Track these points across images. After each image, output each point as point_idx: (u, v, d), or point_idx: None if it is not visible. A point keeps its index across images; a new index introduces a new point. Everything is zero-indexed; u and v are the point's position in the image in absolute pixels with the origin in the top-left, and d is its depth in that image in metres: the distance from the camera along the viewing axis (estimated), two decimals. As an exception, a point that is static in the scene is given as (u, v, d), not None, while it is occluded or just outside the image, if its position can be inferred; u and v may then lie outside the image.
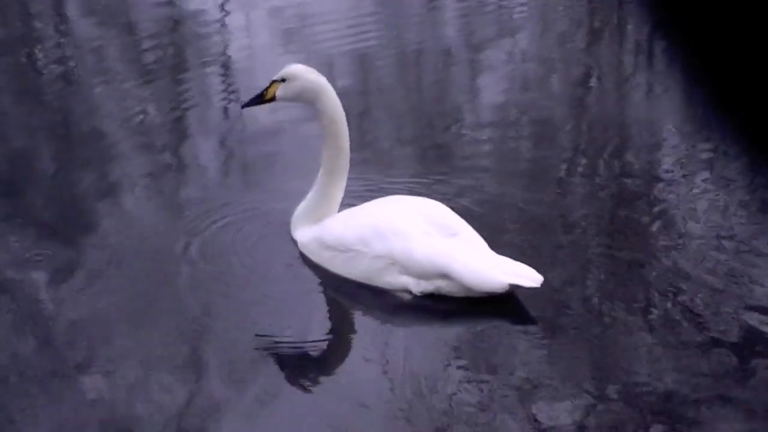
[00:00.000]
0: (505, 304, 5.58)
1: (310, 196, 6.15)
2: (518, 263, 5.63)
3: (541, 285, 5.48)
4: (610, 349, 5.29)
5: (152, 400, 5.05)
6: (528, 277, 5.55)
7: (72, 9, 10.60)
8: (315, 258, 6.01)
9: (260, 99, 6.11)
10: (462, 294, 5.64)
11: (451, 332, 5.51)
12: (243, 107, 6.42)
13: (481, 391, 5.07)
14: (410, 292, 5.73)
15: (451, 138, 7.60)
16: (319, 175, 6.10)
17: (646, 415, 4.85)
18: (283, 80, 6.00)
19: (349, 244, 5.83)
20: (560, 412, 4.90)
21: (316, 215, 6.11)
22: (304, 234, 6.11)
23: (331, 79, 6.06)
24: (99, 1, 10.64)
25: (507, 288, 5.54)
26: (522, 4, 10.25)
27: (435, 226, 5.80)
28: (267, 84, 6.08)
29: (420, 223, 5.78)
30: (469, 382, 5.14)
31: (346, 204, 6.13)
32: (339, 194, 6.12)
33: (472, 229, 5.84)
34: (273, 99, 6.07)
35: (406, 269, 5.69)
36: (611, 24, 9.79)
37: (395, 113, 8.07)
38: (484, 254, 5.72)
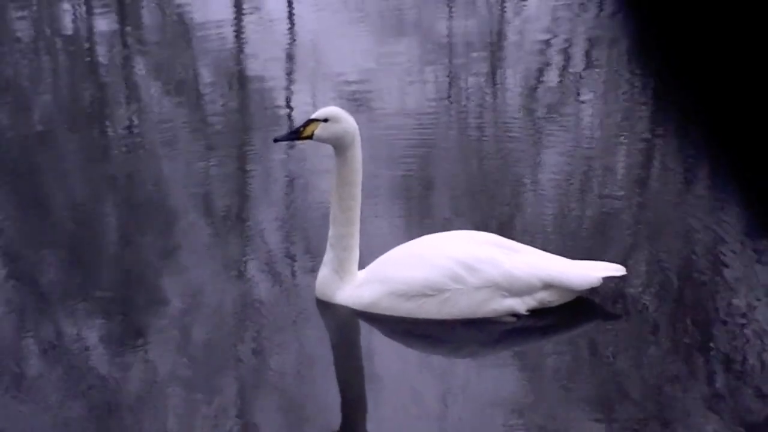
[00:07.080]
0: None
1: (330, 256, 6.13)
2: (594, 261, 6.11)
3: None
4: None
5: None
6: (613, 269, 6.03)
7: (141, 76, 10.80)
8: (392, 312, 6.00)
9: (296, 135, 6.09)
10: (560, 301, 6.00)
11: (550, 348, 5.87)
12: (276, 140, 6.44)
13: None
14: (515, 314, 5.93)
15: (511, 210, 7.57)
16: (333, 231, 6.09)
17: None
18: (325, 120, 5.99)
19: (439, 285, 5.90)
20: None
21: (347, 271, 6.11)
22: (361, 294, 6.08)
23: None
24: (170, 74, 10.82)
25: (601, 282, 5.98)
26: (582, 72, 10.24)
27: (500, 247, 6.01)
28: (303, 121, 6.08)
29: (490, 248, 5.97)
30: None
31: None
32: (357, 242, 6.12)
33: (523, 244, 6.13)
34: (309, 137, 6.04)
35: (510, 291, 5.90)
36: (675, 97, 9.70)
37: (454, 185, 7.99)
38: (561, 259, 6.05)
